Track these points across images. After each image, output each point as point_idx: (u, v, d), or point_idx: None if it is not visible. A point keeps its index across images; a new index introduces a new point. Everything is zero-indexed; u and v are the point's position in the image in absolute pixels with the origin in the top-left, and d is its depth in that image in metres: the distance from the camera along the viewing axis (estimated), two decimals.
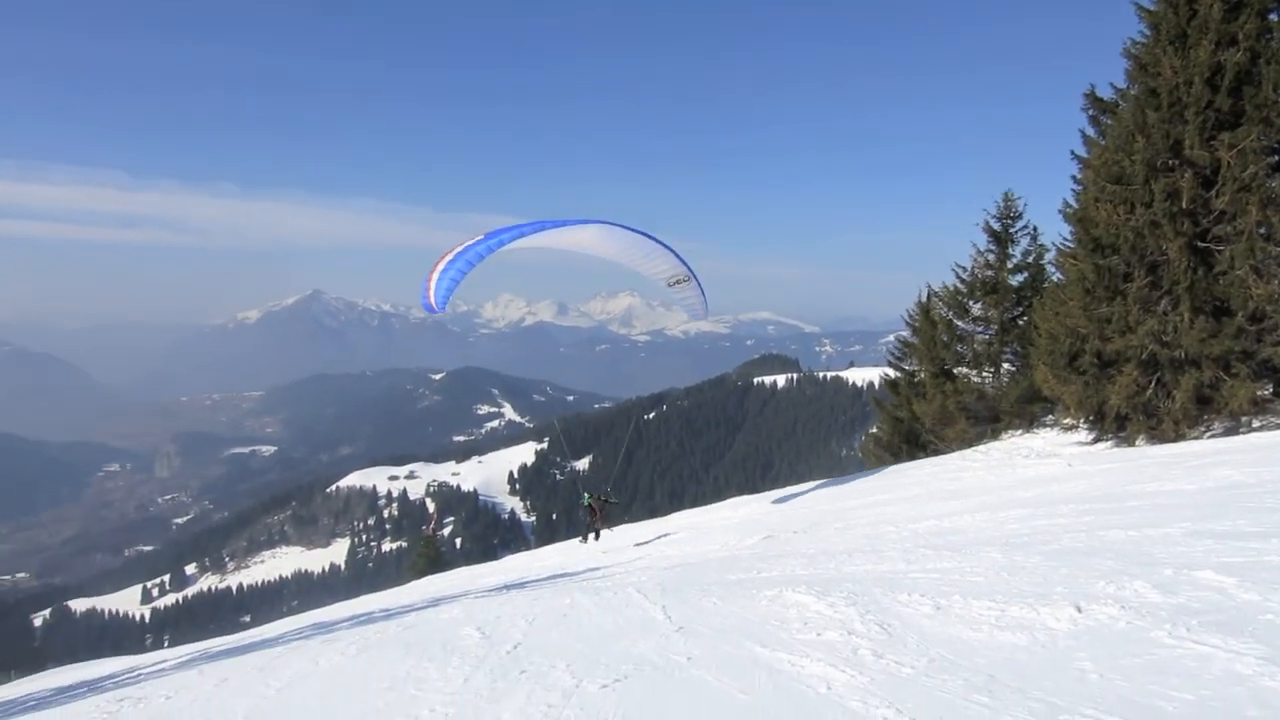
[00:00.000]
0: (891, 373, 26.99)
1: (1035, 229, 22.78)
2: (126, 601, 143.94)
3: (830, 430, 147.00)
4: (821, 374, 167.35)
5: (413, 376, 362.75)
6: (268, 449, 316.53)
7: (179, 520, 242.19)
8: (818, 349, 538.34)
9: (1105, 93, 16.24)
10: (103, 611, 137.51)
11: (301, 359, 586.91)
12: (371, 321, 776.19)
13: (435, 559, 34.26)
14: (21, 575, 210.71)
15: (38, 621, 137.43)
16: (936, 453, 22.63)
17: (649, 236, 10.55)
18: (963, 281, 23.23)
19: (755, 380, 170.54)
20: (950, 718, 3.69)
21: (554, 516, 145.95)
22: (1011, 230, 22.82)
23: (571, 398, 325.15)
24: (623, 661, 5.41)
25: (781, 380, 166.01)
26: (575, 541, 20.43)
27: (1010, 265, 22.72)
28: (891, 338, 29.89)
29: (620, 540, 19.77)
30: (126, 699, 8.17)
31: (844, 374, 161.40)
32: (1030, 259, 22.66)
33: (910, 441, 25.21)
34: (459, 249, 10.20)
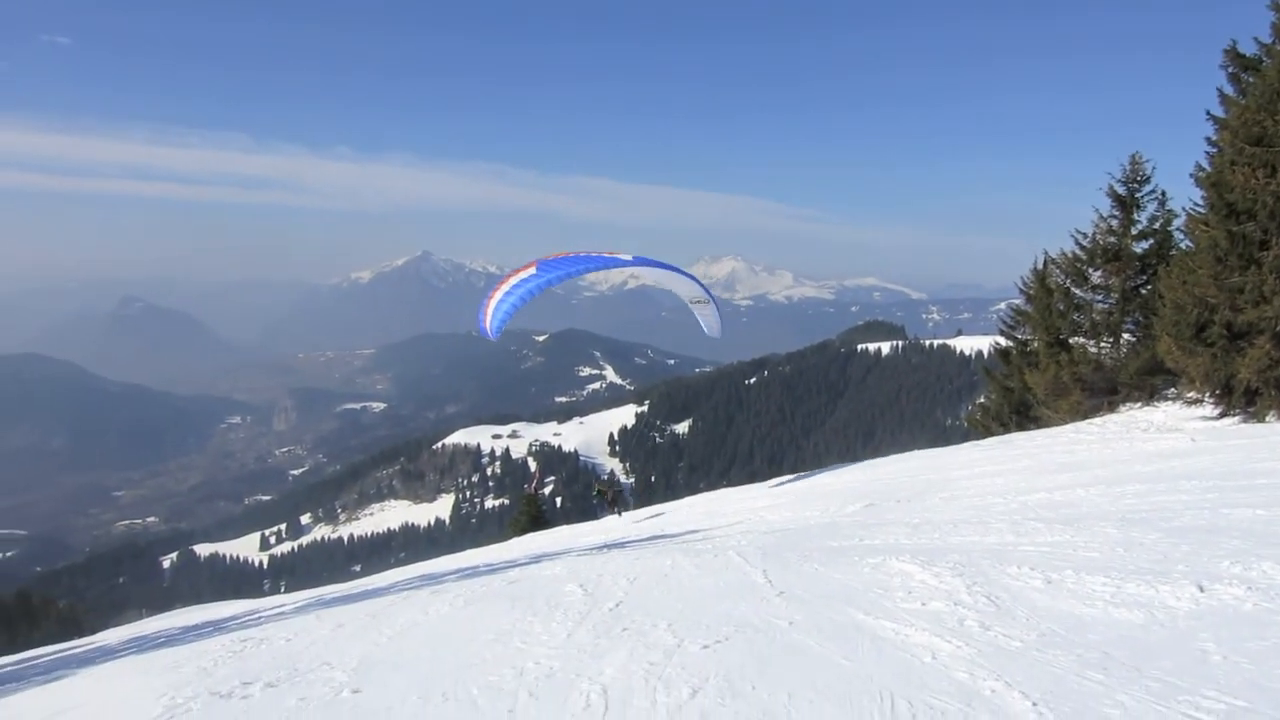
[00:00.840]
0: (1003, 341, 26.16)
1: (1163, 193, 21.59)
2: (246, 547, 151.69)
3: (935, 399, 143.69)
4: (928, 342, 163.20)
5: (517, 337, 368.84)
6: (378, 405, 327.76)
7: (295, 472, 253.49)
8: (925, 316, 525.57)
9: (1248, 48, 15.22)
10: (225, 556, 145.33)
11: (411, 318, 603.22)
12: (478, 283, 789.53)
13: (536, 517, 34.88)
14: (152, 519, 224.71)
15: (166, 563, 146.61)
16: (1048, 424, 21.91)
17: (678, 270, 11.18)
18: (1082, 248, 22.23)
19: (859, 347, 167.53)
20: (1061, 693, 3.60)
21: (653, 479, 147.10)
22: (1137, 194, 21.69)
23: (673, 361, 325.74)
24: (723, 623, 5.45)
25: (886, 347, 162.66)
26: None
27: (1135, 231, 21.64)
28: (1003, 306, 28.93)
29: (718, 505, 19.85)
30: (249, 640, 8.63)
31: (951, 342, 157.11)
32: (1157, 225, 21.53)
33: (1020, 412, 24.47)
34: (514, 281, 10.74)
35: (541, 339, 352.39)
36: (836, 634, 4.85)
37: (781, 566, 7.10)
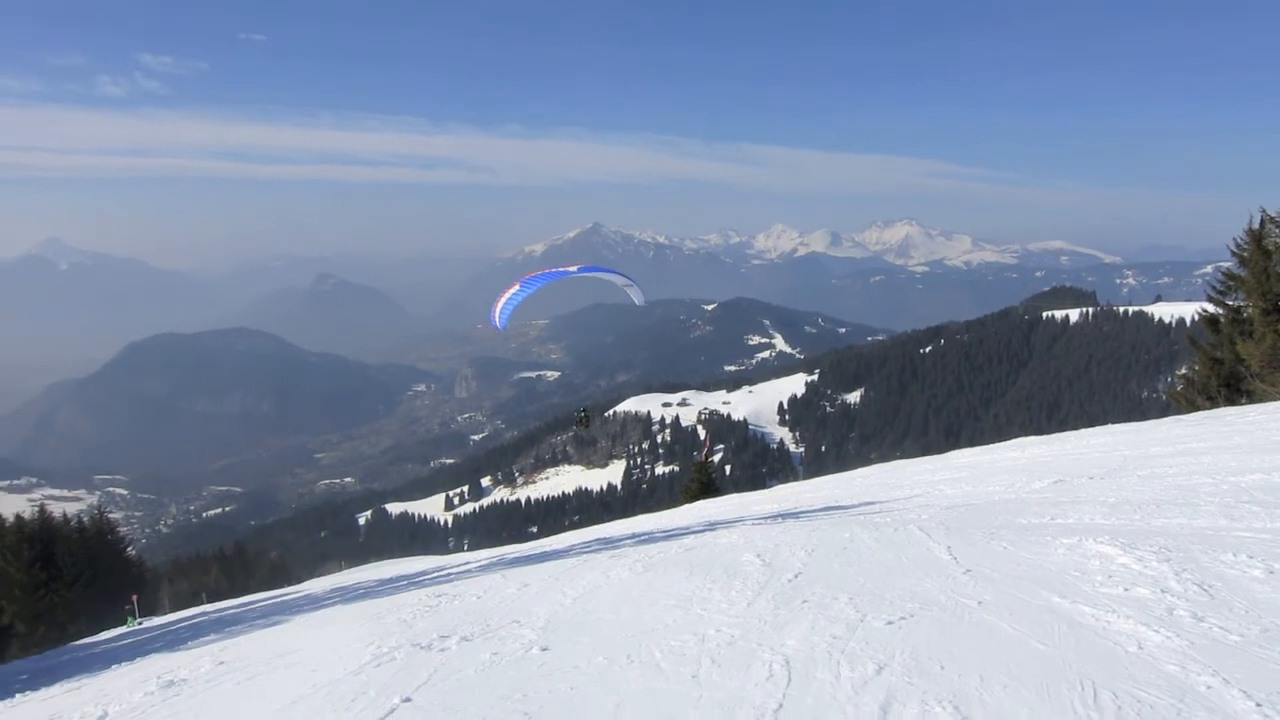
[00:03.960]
0: (1210, 308, 24.14)
1: None
2: (432, 507, 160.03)
3: (1129, 370, 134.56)
4: (1122, 309, 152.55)
5: (686, 307, 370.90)
6: (552, 374, 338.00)
7: (475, 437, 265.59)
8: (1118, 281, 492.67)
9: None
10: (413, 515, 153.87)
11: (583, 289, 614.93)
12: (647, 253, 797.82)
13: (707, 484, 35.13)
14: (348, 480, 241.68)
15: (361, 520, 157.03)
16: (1264, 399, 20.14)
17: (607, 270, 15.31)
18: None
19: (1044, 314, 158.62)
20: None
21: (823, 448, 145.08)
22: None
23: (844, 330, 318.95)
24: (907, 599, 5.34)
25: (1075, 315, 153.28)
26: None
27: None
28: (1210, 269, 26.74)
29: (894, 476, 19.38)
30: (443, 595, 9.15)
31: (1149, 309, 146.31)
32: None
33: (1230, 386, 22.59)
34: (510, 293, 14.39)
35: (710, 308, 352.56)
36: (1030, 616, 4.66)
37: (966, 543, 6.88)
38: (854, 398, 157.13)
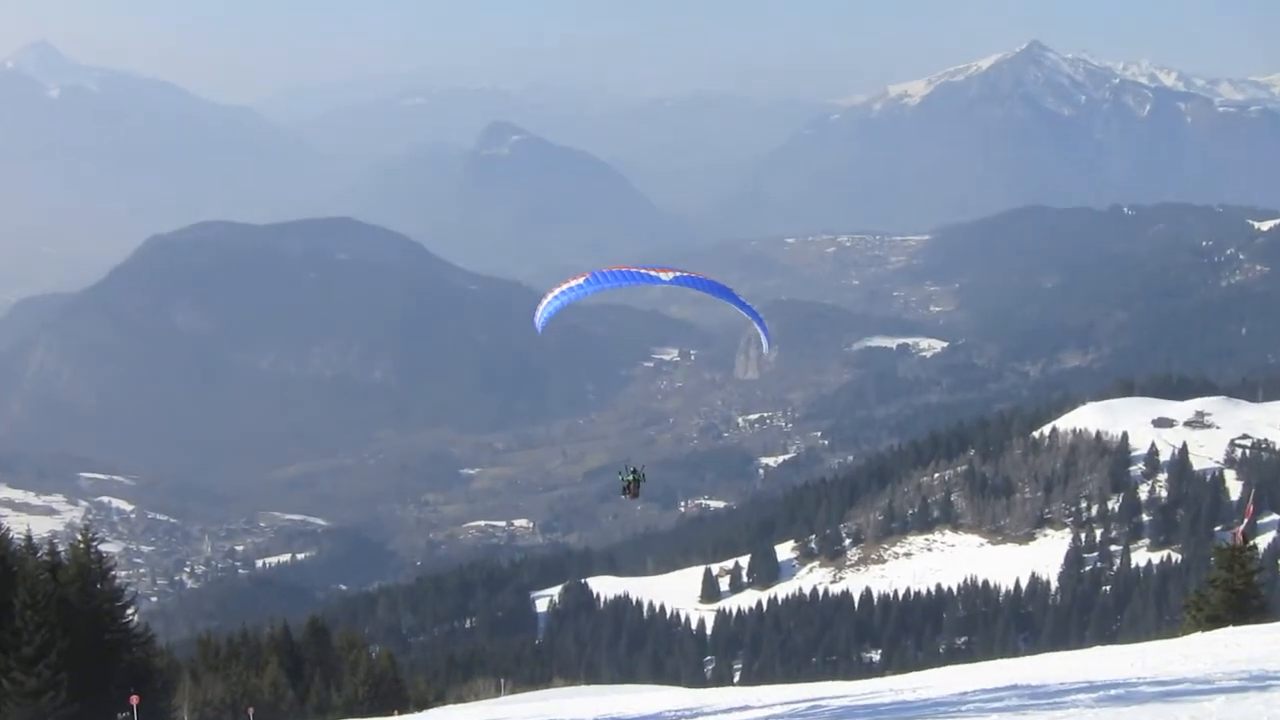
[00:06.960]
0: None
1: None
2: (677, 592, 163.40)
3: None
4: None
5: (1222, 220, 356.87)
6: (930, 345, 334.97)
7: (769, 461, 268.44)
8: None
9: None
10: (639, 603, 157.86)
11: (1001, 174, 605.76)
12: (1138, 107, 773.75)
13: (1246, 595, 33.87)
14: (521, 522, 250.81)
15: (541, 603, 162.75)
16: None
17: (716, 290, 18.29)
18: None
19: None
20: None
21: None
22: None
23: None
24: None
25: None
26: None
27: None
28: None
29: None
30: None
31: None
32: None
33: None
34: (567, 284, 18.93)
35: (1266, 228, 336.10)
36: None
37: None
38: None
